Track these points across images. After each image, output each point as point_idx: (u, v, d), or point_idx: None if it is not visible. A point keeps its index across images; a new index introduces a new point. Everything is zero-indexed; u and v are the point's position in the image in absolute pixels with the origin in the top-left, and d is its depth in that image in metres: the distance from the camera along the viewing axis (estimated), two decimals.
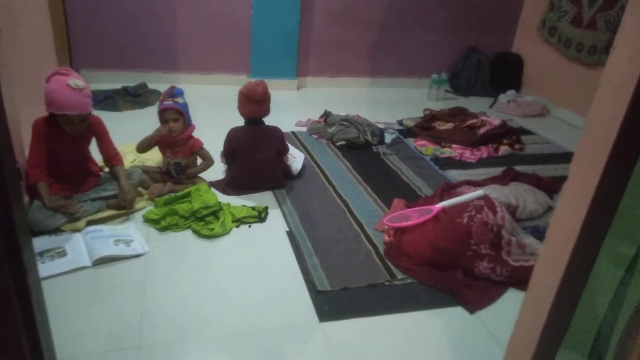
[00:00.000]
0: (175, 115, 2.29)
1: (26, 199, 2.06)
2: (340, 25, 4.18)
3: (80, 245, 1.91)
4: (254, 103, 2.32)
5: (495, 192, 2.28)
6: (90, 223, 2.05)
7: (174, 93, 2.28)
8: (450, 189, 2.41)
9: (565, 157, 3.19)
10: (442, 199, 2.24)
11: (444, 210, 2.01)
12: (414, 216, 2.04)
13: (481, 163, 2.96)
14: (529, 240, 2.08)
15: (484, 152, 3.06)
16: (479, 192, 2.12)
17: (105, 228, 2.02)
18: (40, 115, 2.03)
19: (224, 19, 3.94)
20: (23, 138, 2.07)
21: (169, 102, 2.27)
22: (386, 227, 2.11)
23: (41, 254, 1.83)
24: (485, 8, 4.39)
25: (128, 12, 3.75)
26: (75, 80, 1.95)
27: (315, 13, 4.10)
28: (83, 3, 3.65)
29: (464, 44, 4.50)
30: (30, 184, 2.00)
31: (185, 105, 2.32)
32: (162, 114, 2.30)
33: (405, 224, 1.99)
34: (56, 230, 1.98)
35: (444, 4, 4.30)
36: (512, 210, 2.23)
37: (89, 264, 1.82)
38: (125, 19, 3.77)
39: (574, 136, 3.60)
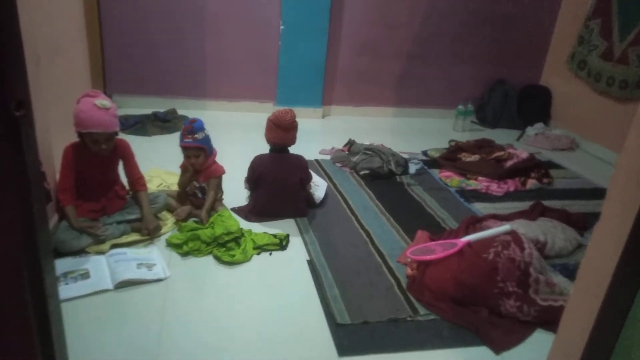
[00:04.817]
0: (197, 152, 2.31)
1: (56, 218, 2.11)
2: (366, 55, 4.23)
3: (104, 267, 1.92)
4: (281, 130, 2.35)
5: (522, 227, 2.22)
6: (114, 246, 2.07)
7: (194, 129, 2.28)
8: (475, 223, 2.36)
9: (596, 193, 3.09)
10: (467, 233, 2.18)
11: (469, 244, 1.96)
12: (438, 249, 1.99)
13: (508, 196, 2.90)
14: (558, 279, 2.00)
15: (510, 185, 3.00)
16: (506, 226, 2.06)
17: (128, 251, 2.04)
18: (74, 139, 2.09)
19: (253, 48, 4.04)
20: (55, 161, 2.13)
21: (188, 140, 2.29)
22: (409, 259, 2.06)
23: (65, 275, 1.85)
24: (514, 40, 4.39)
25: (160, 42, 3.89)
26: (102, 100, 2.02)
27: (342, 43, 4.16)
28: (118, 33, 3.80)
29: (491, 75, 4.48)
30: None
31: (205, 140, 2.32)
32: (184, 150, 2.33)
33: (428, 257, 1.95)
34: (81, 252, 2.01)
35: (471, 36, 4.31)
36: (540, 246, 2.16)
37: (110, 287, 1.83)
38: (157, 48, 3.91)
39: (605, 171, 3.49)
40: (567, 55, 4.14)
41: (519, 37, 4.39)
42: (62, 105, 2.44)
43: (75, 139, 2.10)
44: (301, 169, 2.42)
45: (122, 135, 2.18)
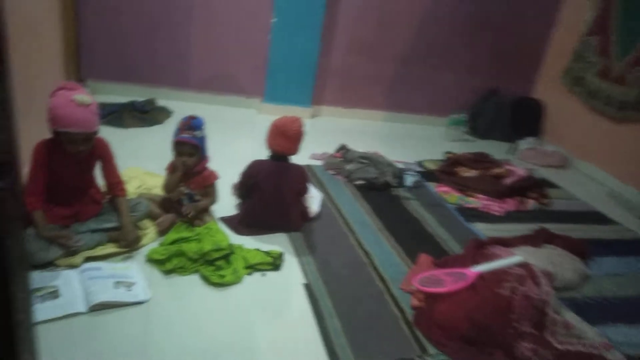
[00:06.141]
0: (192, 150, 2.08)
1: None
2: (360, 56, 4.05)
3: (76, 285, 1.69)
4: (285, 138, 2.15)
5: (530, 256, 2.10)
6: (88, 259, 1.83)
7: (192, 125, 2.06)
8: (481, 247, 2.22)
9: (594, 217, 3.01)
10: (474, 260, 2.05)
11: (481, 276, 1.83)
12: (448, 280, 1.84)
13: (509, 217, 2.78)
14: (569, 316, 1.89)
15: (510, 205, 2.88)
16: (517, 258, 1.93)
17: (104, 266, 1.81)
18: (42, 130, 1.83)
19: (242, 39, 3.79)
20: (21, 156, 1.86)
21: (186, 136, 2.06)
22: (414, 287, 1.91)
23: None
24: (508, 51, 4.29)
25: (144, 24, 3.59)
26: (82, 95, 1.76)
27: (335, 42, 3.96)
28: (96, 11, 3.48)
29: (485, 85, 4.38)
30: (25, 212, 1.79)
31: (203, 140, 2.12)
32: (178, 146, 2.09)
33: (439, 289, 1.80)
34: (49, 265, 1.76)
35: (467, 44, 4.18)
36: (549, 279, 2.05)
37: (84, 309, 1.60)
38: (140, 31, 3.60)
39: (599, 193, 3.43)
40: (562, 69, 4.08)
41: (514, 47, 4.29)
42: (30, 92, 2.17)
43: (44, 128, 1.82)
44: (300, 180, 2.23)
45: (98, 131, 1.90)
